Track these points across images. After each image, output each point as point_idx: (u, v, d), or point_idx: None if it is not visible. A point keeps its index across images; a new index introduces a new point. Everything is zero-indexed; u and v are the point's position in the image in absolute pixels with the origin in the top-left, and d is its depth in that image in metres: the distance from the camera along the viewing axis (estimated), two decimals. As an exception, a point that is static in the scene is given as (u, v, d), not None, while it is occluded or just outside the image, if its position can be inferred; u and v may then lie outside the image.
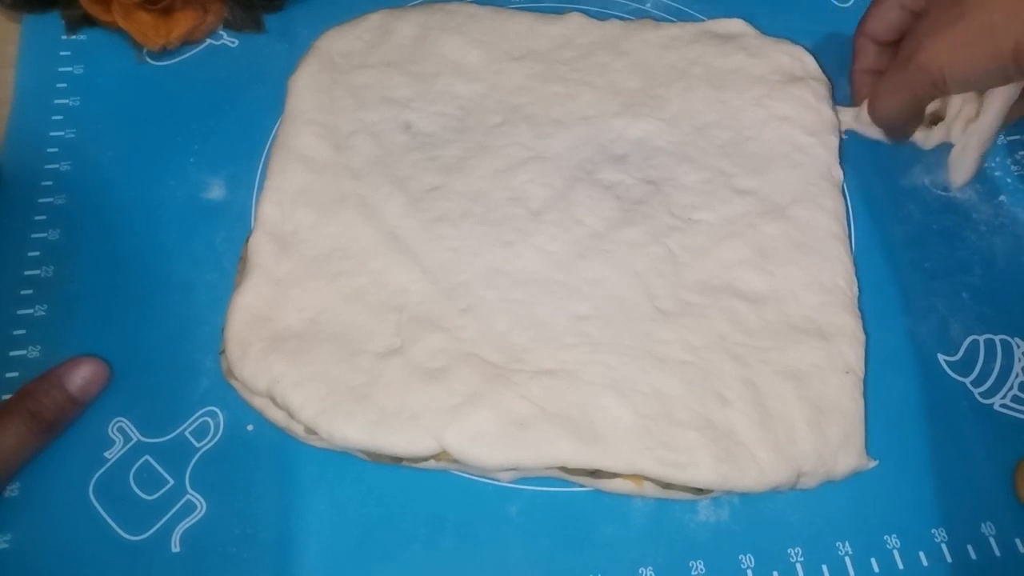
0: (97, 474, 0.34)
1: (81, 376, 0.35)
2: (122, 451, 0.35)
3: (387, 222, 0.38)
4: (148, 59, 0.45)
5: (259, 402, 0.35)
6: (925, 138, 0.43)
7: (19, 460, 0.33)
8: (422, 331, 0.35)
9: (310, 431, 0.34)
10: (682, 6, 0.48)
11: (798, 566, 0.34)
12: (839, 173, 0.42)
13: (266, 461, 0.35)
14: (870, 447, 0.35)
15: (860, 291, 0.39)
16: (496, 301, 0.36)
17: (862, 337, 0.37)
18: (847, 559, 0.34)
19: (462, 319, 0.36)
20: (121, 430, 0.35)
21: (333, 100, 0.42)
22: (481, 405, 0.33)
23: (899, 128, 0.41)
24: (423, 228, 0.38)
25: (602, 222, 0.39)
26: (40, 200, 0.40)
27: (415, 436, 0.33)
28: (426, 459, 0.34)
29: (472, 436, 0.33)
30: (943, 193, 0.43)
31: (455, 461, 0.33)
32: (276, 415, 0.35)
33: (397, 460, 0.34)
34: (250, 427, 0.35)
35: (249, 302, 0.36)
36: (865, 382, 0.36)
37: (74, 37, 0.45)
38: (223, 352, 0.36)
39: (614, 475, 0.34)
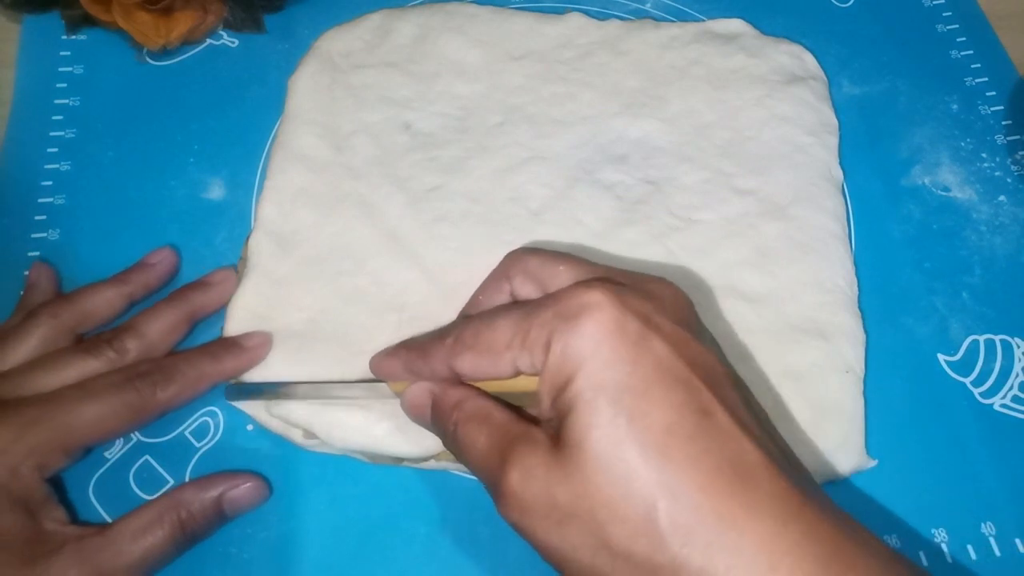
0: (97, 474, 0.34)
1: (240, 496, 0.32)
2: (122, 451, 0.35)
3: (387, 222, 0.38)
4: (148, 59, 0.45)
5: (255, 408, 0.35)
6: None
7: (150, 568, 0.31)
8: (422, 331, 0.35)
9: (308, 435, 0.34)
10: (682, 6, 0.48)
11: (798, 566, 0.34)
12: (839, 173, 0.42)
13: (266, 461, 0.35)
14: (870, 447, 0.35)
15: (860, 291, 0.39)
16: (496, 301, 0.36)
17: (862, 337, 0.37)
18: (847, 559, 0.34)
19: (462, 319, 0.36)
20: (121, 430, 0.35)
21: (333, 100, 0.42)
22: (481, 405, 0.33)
23: None
24: (423, 228, 0.38)
25: (602, 222, 0.39)
26: (40, 200, 0.40)
27: (416, 437, 0.33)
28: (426, 459, 0.34)
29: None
30: (943, 193, 0.43)
31: (455, 461, 0.33)
32: (273, 421, 0.35)
33: (398, 461, 0.34)
34: (250, 427, 0.35)
35: (249, 302, 0.36)
36: (865, 382, 0.36)
37: (74, 37, 0.45)
38: (223, 352, 0.36)
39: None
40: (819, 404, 0.35)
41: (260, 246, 0.37)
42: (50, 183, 0.41)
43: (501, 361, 0.26)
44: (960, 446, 0.36)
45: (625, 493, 0.23)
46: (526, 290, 0.29)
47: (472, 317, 0.28)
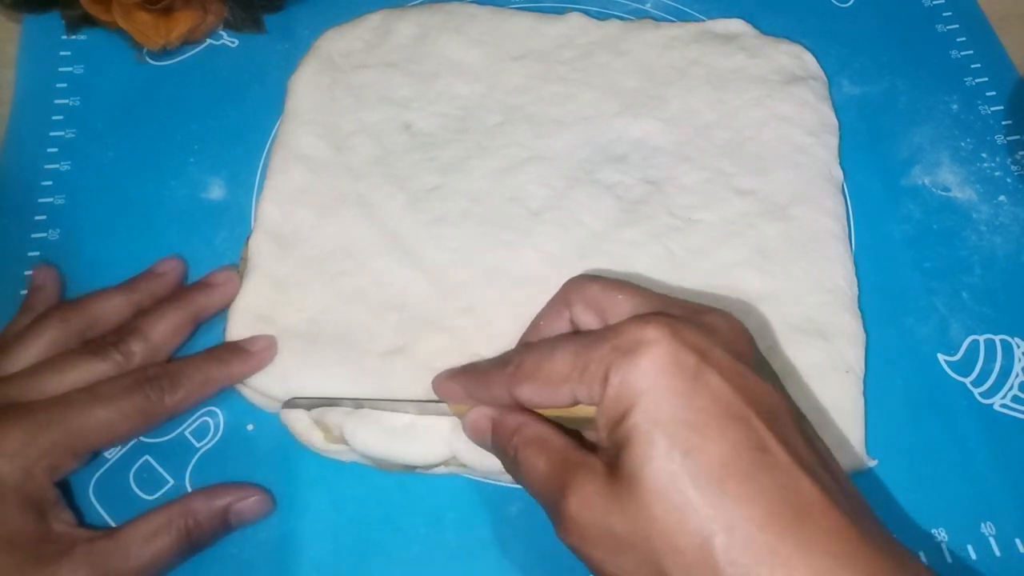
0: (97, 474, 0.34)
1: (247, 508, 0.33)
2: (122, 451, 0.34)
3: (387, 222, 0.38)
4: (148, 59, 0.45)
5: (266, 403, 0.35)
6: None
7: (155, 571, 0.31)
8: (423, 331, 0.36)
9: (330, 440, 0.34)
10: (682, 6, 0.48)
11: (798, 566, 0.34)
12: (839, 173, 0.42)
13: (266, 461, 0.35)
14: (870, 447, 0.35)
15: (860, 291, 0.39)
16: (496, 301, 0.36)
17: (862, 336, 0.37)
18: (847, 559, 0.34)
19: (463, 319, 0.36)
20: (121, 430, 0.35)
21: (333, 100, 0.42)
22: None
23: None
24: (423, 228, 0.38)
25: (602, 222, 0.39)
26: (40, 200, 0.40)
27: (429, 444, 0.33)
28: (436, 465, 0.34)
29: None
30: (943, 193, 0.43)
31: (463, 465, 0.34)
32: (297, 424, 0.34)
33: (408, 468, 0.34)
34: (250, 427, 0.35)
35: (250, 302, 0.36)
36: (865, 382, 0.36)
37: (74, 37, 0.45)
38: (223, 353, 0.36)
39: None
40: (819, 404, 0.35)
41: (260, 246, 0.37)
42: (50, 183, 0.41)
43: (560, 391, 0.27)
44: (960, 446, 0.36)
45: (681, 525, 0.23)
46: (586, 318, 0.29)
47: (532, 346, 0.29)
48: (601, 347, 0.26)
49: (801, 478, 0.24)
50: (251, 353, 0.34)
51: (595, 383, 0.26)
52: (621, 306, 0.28)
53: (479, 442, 0.30)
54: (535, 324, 0.32)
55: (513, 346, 0.35)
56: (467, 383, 0.30)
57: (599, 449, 0.26)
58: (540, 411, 0.28)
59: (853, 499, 0.25)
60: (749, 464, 0.24)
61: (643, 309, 0.28)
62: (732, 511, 0.23)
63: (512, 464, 0.28)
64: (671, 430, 0.24)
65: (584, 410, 0.27)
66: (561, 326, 0.31)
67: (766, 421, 0.24)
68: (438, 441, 0.33)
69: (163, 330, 0.34)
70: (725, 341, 0.26)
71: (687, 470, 0.23)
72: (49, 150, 0.42)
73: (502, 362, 0.29)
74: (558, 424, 0.28)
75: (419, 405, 0.33)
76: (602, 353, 0.26)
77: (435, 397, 0.32)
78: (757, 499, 0.23)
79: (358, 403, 0.34)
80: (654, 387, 0.24)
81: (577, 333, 0.29)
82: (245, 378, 0.34)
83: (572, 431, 0.28)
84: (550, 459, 0.27)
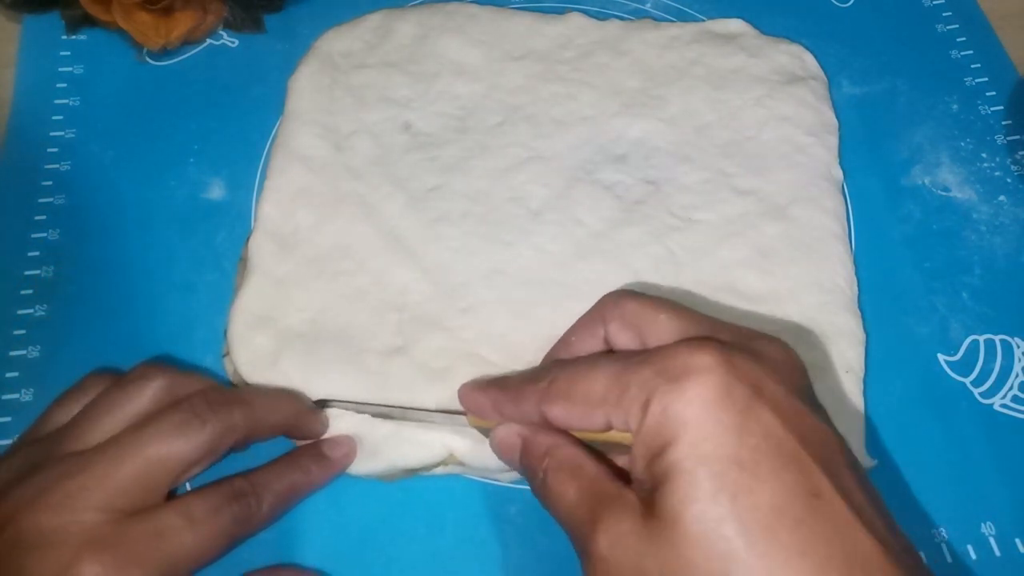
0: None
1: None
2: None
3: (387, 222, 0.38)
4: (148, 59, 0.45)
5: None
6: None
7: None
8: (423, 331, 0.36)
9: None
10: (682, 6, 0.48)
11: (798, 566, 0.34)
12: (839, 173, 0.42)
13: (265, 461, 0.35)
14: (870, 447, 0.35)
15: (860, 291, 0.39)
16: (496, 301, 0.36)
17: (862, 336, 0.37)
18: (847, 559, 0.34)
19: (463, 319, 0.36)
20: (121, 430, 0.35)
21: (333, 100, 0.42)
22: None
23: None
24: (423, 228, 0.38)
25: (602, 222, 0.39)
26: (40, 200, 0.40)
27: (427, 442, 0.33)
28: (436, 466, 0.34)
29: (479, 438, 0.33)
30: (943, 193, 0.43)
31: (461, 464, 0.34)
32: None
33: (409, 473, 0.34)
34: (250, 427, 0.35)
35: (250, 303, 0.36)
36: (865, 382, 0.36)
37: (74, 37, 0.45)
38: (227, 355, 0.36)
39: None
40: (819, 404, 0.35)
41: (261, 247, 0.37)
42: (50, 183, 0.41)
43: (594, 415, 0.25)
44: (960, 446, 0.36)
45: (723, 575, 0.21)
46: (622, 337, 0.28)
47: (567, 363, 0.27)
48: (644, 370, 0.24)
49: (857, 528, 0.22)
50: (332, 460, 0.33)
51: (634, 409, 0.24)
52: (663, 327, 0.26)
53: (507, 461, 0.28)
54: (566, 340, 0.30)
55: (513, 344, 0.35)
56: (496, 397, 0.28)
57: (633, 481, 0.24)
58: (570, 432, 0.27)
59: (908, 552, 0.23)
60: (802, 511, 0.22)
61: (689, 331, 0.26)
62: (781, 563, 0.21)
63: (540, 487, 0.26)
64: (718, 470, 0.22)
65: (617, 435, 0.25)
66: (594, 344, 0.29)
67: (821, 464, 0.22)
68: (433, 439, 0.33)
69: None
70: (779, 373, 0.24)
71: (734, 515, 0.21)
72: (49, 150, 0.42)
73: (533, 378, 0.27)
74: (592, 448, 0.26)
75: (440, 416, 0.33)
76: (645, 377, 0.24)
77: (446, 407, 0.32)
78: (809, 551, 0.21)
79: (377, 411, 0.34)
80: (701, 420, 0.22)
81: (617, 352, 0.27)
82: (326, 484, 0.33)
83: (604, 457, 0.26)
84: (581, 488, 0.25)
